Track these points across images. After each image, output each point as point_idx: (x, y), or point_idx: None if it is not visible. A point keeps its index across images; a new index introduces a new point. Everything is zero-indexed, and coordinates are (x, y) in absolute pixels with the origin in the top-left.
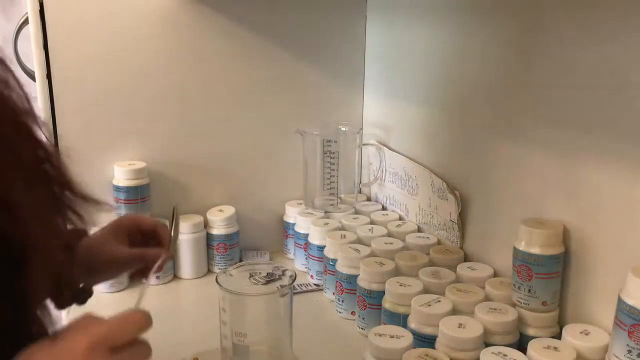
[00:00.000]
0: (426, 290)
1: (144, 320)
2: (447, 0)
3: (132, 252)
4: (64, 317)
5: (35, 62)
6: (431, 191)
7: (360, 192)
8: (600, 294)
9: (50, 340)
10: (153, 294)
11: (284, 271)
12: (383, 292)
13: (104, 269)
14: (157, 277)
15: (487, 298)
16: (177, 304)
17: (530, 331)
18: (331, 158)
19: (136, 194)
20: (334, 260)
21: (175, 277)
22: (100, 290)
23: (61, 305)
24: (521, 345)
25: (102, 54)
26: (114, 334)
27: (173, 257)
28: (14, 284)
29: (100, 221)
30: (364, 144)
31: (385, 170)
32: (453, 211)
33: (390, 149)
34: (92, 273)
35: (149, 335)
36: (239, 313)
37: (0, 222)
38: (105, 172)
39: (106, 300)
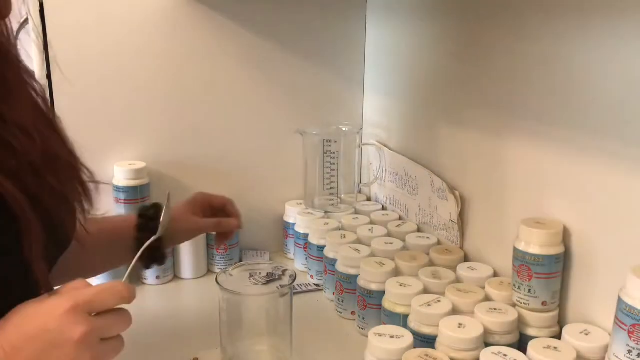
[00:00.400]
0: (426, 290)
1: (127, 292)
2: (447, 1)
3: (210, 220)
4: None
5: (35, 62)
6: (431, 191)
7: (360, 192)
8: (600, 294)
9: (41, 298)
10: (153, 294)
11: (284, 271)
12: (383, 292)
13: (185, 236)
14: (157, 277)
15: (487, 298)
16: (177, 304)
17: (530, 331)
18: (331, 158)
19: (136, 194)
20: (334, 260)
21: (175, 277)
22: None
23: (146, 266)
24: (521, 345)
25: (102, 54)
26: (96, 300)
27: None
28: (19, 253)
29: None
30: (364, 144)
31: (385, 170)
32: (453, 211)
33: (390, 149)
34: (173, 239)
35: (149, 336)
36: (239, 313)
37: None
38: (105, 172)
39: None
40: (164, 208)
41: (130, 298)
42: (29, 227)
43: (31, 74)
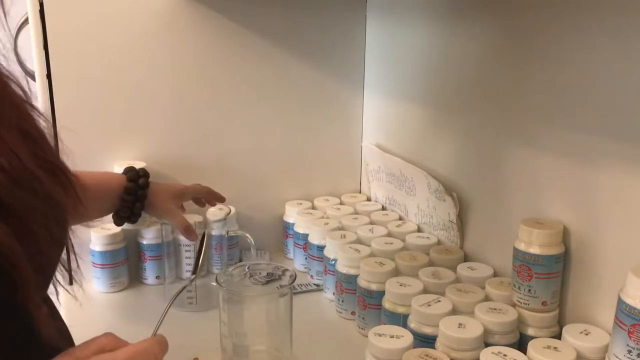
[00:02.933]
0: (426, 290)
1: (161, 352)
2: (446, 1)
3: (179, 219)
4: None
5: (35, 62)
6: (428, 192)
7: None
8: (600, 294)
9: (67, 357)
10: (153, 294)
11: (284, 271)
12: (383, 292)
13: (156, 212)
14: (157, 277)
15: (487, 298)
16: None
17: (530, 331)
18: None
19: None
20: (334, 260)
21: (177, 277)
22: (100, 290)
23: (118, 224)
24: (521, 345)
25: (102, 53)
26: None
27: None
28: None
29: None
30: (361, 144)
31: (383, 171)
32: (451, 212)
33: (389, 149)
34: (145, 209)
35: (149, 336)
36: (239, 313)
37: None
38: None
39: (106, 299)
40: (202, 251)
41: (163, 355)
42: (20, 273)
43: (30, 74)
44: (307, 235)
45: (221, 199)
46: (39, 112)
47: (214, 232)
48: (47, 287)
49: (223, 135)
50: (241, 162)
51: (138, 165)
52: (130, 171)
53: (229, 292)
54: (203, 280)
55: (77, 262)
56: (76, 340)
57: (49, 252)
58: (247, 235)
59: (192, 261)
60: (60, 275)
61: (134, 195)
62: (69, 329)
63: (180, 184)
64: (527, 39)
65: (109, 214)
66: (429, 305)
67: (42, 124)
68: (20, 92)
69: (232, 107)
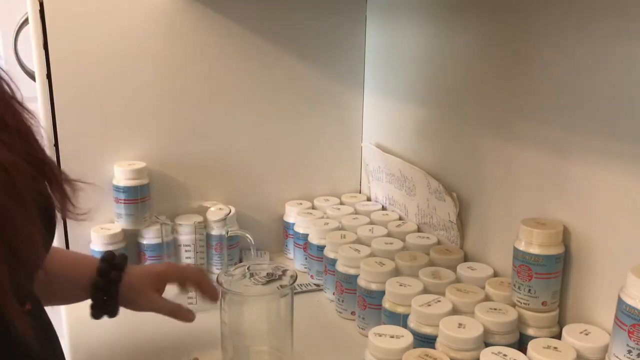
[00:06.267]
0: (426, 290)
1: None
2: (447, 1)
3: (167, 304)
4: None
5: (35, 62)
6: (428, 192)
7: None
8: (600, 294)
9: None
10: None
11: (284, 271)
12: (383, 292)
13: (138, 309)
14: None
15: (487, 298)
16: None
17: (530, 331)
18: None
19: (136, 194)
20: (334, 260)
21: None
22: None
23: (95, 316)
24: (521, 345)
25: (102, 53)
26: None
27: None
28: None
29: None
30: (361, 144)
31: (382, 171)
32: (451, 212)
33: (388, 149)
34: (128, 304)
35: (149, 335)
36: (239, 313)
37: None
38: (105, 172)
39: None
40: None
41: None
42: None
43: (30, 74)
44: (307, 235)
45: (214, 297)
46: (26, 109)
47: (213, 232)
48: (31, 284)
49: (223, 135)
50: (241, 162)
51: (138, 165)
52: (105, 260)
53: (229, 292)
54: None
55: None
56: (73, 338)
57: (34, 248)
58: (247, 235)
59: (192, 261)
60: None
61: (103, 292)
62: (69, 328)
63: (159, 266)
64: (529, 39)
65: (81, 301)
66: (429, 305)
67: (30, 121)
68: (8, 89)
69: (232, 107)
